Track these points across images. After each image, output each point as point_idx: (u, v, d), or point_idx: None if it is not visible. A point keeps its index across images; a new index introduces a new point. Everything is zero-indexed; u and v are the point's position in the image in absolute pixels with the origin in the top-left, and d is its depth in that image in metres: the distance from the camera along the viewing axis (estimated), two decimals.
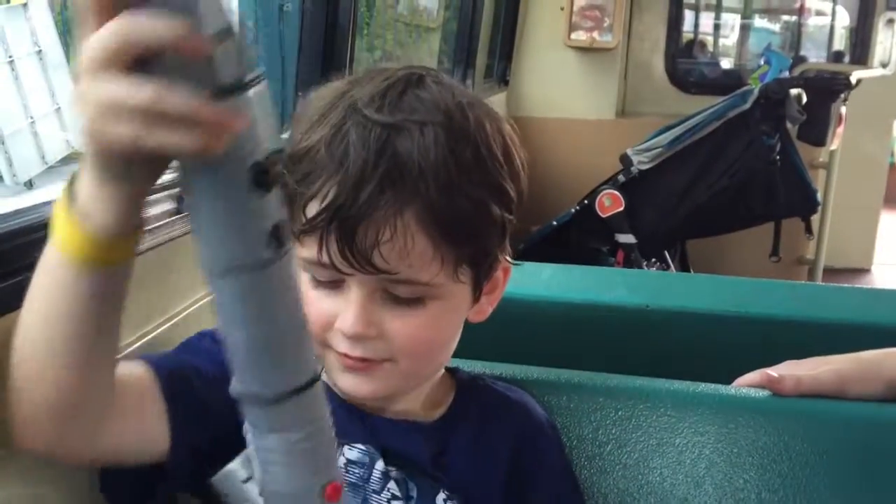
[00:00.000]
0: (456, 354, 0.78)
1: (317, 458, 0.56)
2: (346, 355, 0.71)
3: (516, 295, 1.14)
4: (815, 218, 3.26)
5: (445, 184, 0.67)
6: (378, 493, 0.75)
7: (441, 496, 0.77)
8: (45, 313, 0.55)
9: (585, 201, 3.06)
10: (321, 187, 0.68)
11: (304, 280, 0.72)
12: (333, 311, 0.71)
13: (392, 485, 0.76)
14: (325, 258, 0.68)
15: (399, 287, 0.69)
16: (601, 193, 3.00)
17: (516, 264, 0.79)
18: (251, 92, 0.46)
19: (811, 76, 3.00)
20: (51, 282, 0.54)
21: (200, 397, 0.69)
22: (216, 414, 0.65)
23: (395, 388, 0.75)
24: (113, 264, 0.53)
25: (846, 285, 2.79)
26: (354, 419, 0.77)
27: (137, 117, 0.45)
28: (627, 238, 3.00)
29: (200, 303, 0.90)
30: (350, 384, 0.73)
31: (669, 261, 3.19)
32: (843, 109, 3.17)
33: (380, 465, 0.76)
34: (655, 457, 0.83)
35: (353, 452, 0.76)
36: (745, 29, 6.01)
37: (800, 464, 0.81)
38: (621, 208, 2.98)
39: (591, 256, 2.99)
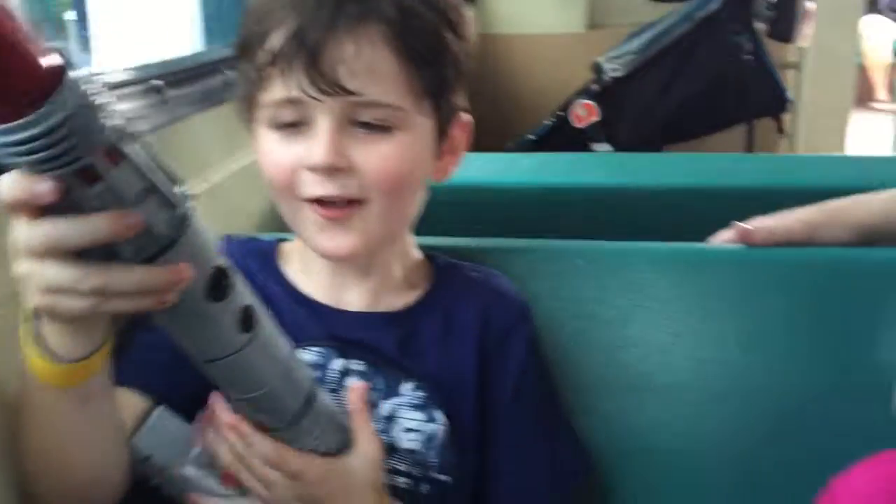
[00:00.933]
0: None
1: None
2: (319, 203, 0.72)
3: (495, 182, 1.18)
4: (787, 118, 3.29)
5: (403, 4, 0.70)
6: (335, 391, 0.75)
7: (408, 385, 0.78)
8: (44, 425, 0.60)
9: (560, 113, 3.07)
10: (280, 22, 0.69)
11: (265, 135, 0.73)
12: (301, 156, 0.71)
13: (352, 381, 0.76)
14: (292, 91, 0.69)
15: (367, 111, 0.70)
16: (575, 104, 3.01)
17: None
18: (188, 231, 0.47)
19: None
20: (40, 402, 0.58)
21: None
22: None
23: (373, 240, 0.75)
24: (95, 373, 0.56)
25: (819, 154, 2.83)
26: (315, 316, 0.78)
27: (88, 295, 0.47)
28: (604, 147, 3.02)
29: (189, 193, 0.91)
30: (329, 241, 0.74)
31: None
32: (811, 5, 3.17)
33: (336, 363, 0.77)
34: (636, 312, 0.87)
35: (308, 354, 0.77)
36: None
37: (772, 309, 0.85)
38: (596, 118, 2.99)
39: None
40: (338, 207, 0.72)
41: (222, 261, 0.51)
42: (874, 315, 0.80)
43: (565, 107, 3.06)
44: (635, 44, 3.02)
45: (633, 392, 0.87)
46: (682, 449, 0.85)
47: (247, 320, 0.54)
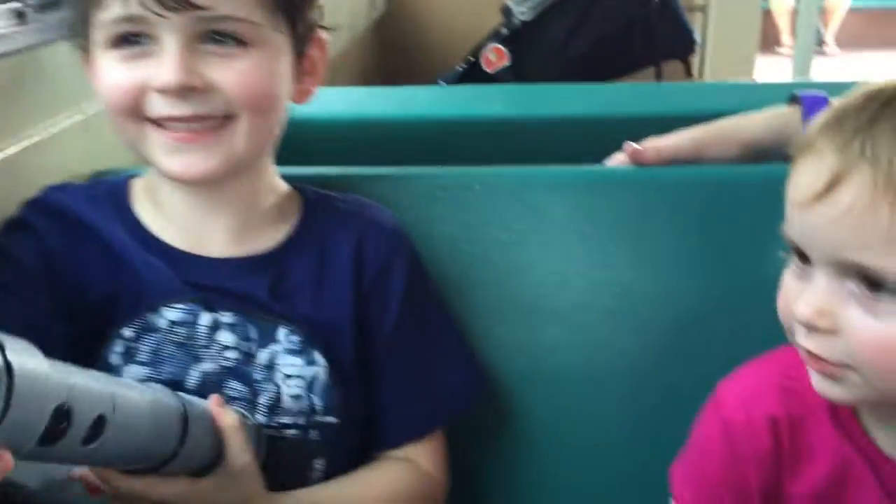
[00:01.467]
0: None
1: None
2: (171, 121, 0.68)
3: (396, 116, 1.16)
4: (694, 60, 3.34)
5: None
6: (207, 347, 0.73)
7: (282, 331, 0.75)
8: None
9: (471, 58, 3.06)
10: None
11: (103, 56, 0.69)
12: (147, 76, 0.67)
13: (223, 335, 0.74)
14: (133, 7, 0.65)
15: (219, 25, 0.67)
16: (486, 49, 3.00)
17: None
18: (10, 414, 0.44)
19: None
20: None
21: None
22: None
23: (231, 158, 0.70)
24: None
25: (716, 82, 2.87)
26: (175, 266, 0.74)
27: None
28: None
29: (61, 125, 0.86)
30: (182, 163, 0.69)
31: None
32: None
33: (204, 319, 0.74)
34: (531, 235, 0.87)
35: (173, 312, 0.73)
36: None
37: (662, 227, 0.86)
38: (506, 62, 2.99)
39: None
40: (191, 130, 0.68)
41: (57, 403, 0.48)
42: (759, 228, 0.81)
43: (476, 51, 3.05)
44: None
45: (529, 314, 0.87)
46: (578, 369, 0.86)
47: (96, 428, 0.52)
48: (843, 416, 0.64)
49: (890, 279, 0.55)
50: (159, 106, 0.68)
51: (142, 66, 0.67)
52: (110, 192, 0.78)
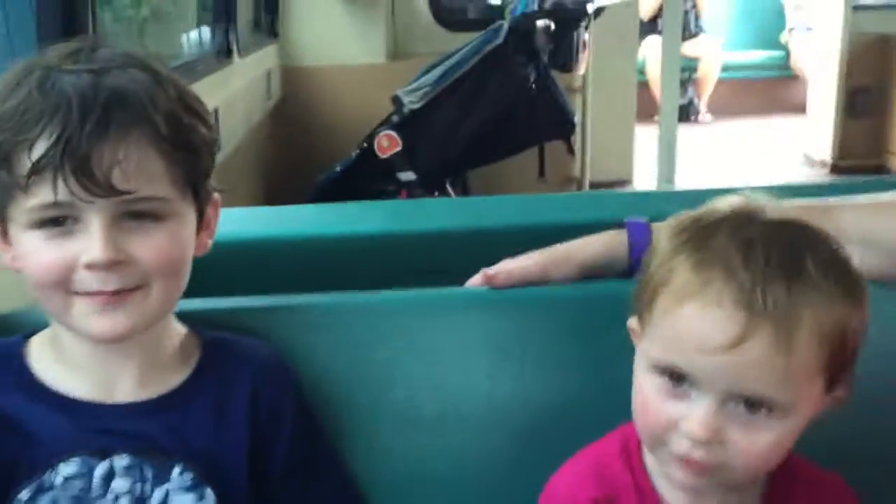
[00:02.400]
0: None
1: None
2: (99, 293, 0.76)
3: (273, 235, 1.25)
4: (578, 138, 3.56)
5: (164, 108, 0.77)
6: (101, 497, 0.80)
7: (176, 469, 0.82)
8: None
9: (365, 144, 3.19)
10: (42, 130, 0.73)
11: (26, 236, 0.76)
12: (74, 254, 0.75)
13: (118, 483, 0.80)
14: (61, 195, 0.73)
15: (139, 205, 0.76)
16: (378, 135, 3.13)
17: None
18: None
19: (552, 7, 3.24)
20: None
21: None
22: None
23: (148, 318, 0.80)
24: None
25: (563, 193, 3.06)
26: (75, 418, 0.80)
27: None
28: (408, 175, 3.16)
29: None
30: (105, 325, 0.78)
31: (451, 192, 3.39)
32: (587, 36, 3.45)
33: (99, 469, 0.80)
34: (404, 356, 0.97)
35: (69, 467, 0.80)
36: None
37: (520, 341, 0.98)
38: (399, 148, 3.13)
39: (377, 198, 3.11)
40: (114, 294, 0.77)
41: None
42: (598, 340, 0.94)
43: (369, 138, 3.18)
44: (430, 76, 3.18)
45: (404, 425, 0.97)
46: (447, 474, 0.96)
47: None
48: (646, 492, 0.77)
49: (773, 405, 0.69)
50: (88, 281, 0.76)
51: (67, 244, 0.76)
52: (5, 355, 0.85)
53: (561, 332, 0.98)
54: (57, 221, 0.76)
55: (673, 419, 0.72)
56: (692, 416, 0.71)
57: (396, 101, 3.14)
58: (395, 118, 3.15)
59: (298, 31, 3.77)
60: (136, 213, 0.77)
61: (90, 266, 0.75)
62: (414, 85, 3.17)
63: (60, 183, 0.73)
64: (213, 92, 2.30)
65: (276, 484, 0.87)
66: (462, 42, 3.31)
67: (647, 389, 0.75)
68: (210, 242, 0.87)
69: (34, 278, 0.78)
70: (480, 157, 3.38)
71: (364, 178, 3.23)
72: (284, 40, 3.75)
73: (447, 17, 4.22)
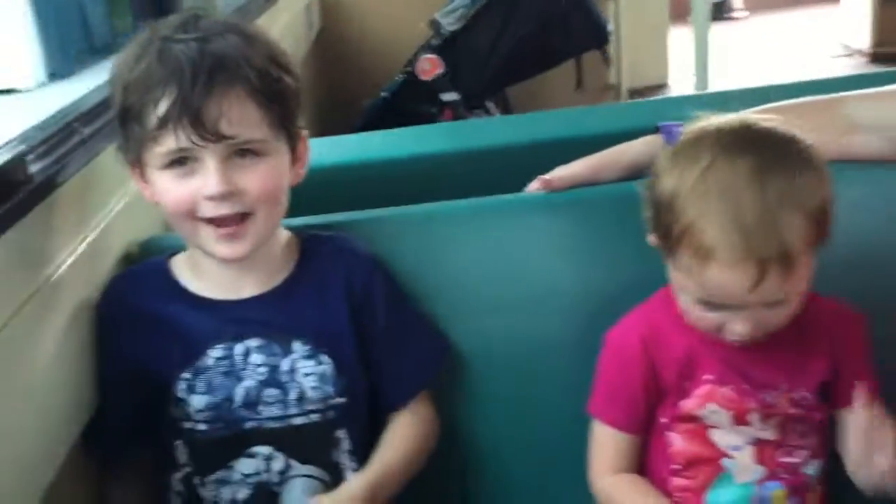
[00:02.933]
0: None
1: None
2: (216, 222, 0.95)
3: (351, 160, 1.42)
4: (613, 46, 3.64)
5: (257, 66, 0.94)
6: (244, 369, 1.02)
7: (297, 343, 1.03)
8: None
9: (408, 69, 3.31)
10: (164, 92, 0.92)
11: (160, 176, 0.95)
12: (195, 188, 0.94)
13: (254, 357, 1.02)
14: (182, 142, 0.92)
15: (243, 146, 0.94)
16: (420, 59, 3.25)
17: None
18: None
19: None
20: None
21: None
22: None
23: (259, 240, 0.99)
24: None
25: (602, 105, 3.16)
26: (214, 314, 1.02)
27: None
28: (451, 96, 3.28)
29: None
30: (227, 251, 0.97)
31: (494, 110, 3.52)
32: None
33: (238, 349, 1.02)
34: (481, 255, 1.15)
35: (215, 352, 1.02)
36: None
37: (577, 237, 1.16)
38: (440, 70, 3.25)
39: (423, 119, 3.26)
40: (231, 223, 0.96)
41: None
42: (643, 234, 1.09)
43: (411, 62, 3.31)
44: None
45: (486, 312, 1.15)
46: (522, 350, 1.15)
47: None
48: (682, 327, 0.98)
49: (792, 295, 0.90)
50: (209, 208, 0.95)
51: (191, 181, 0.95)
52: (155, 272, 1.07)
53: (612, 227, 1.14)
54: (181, 162, 0.95)
55: (718, 323, 0.92)
56: (736, 325, 0.91)
57: (435, 24, 3.24)
58: (434, 41, 3.25)
59: None
60: (241, 153, 0.95)
61: (210, 197, 0.95)
62: (450, 6, 3.26)
63: (181, 132, 0.92)
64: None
65: (378, 346, 1.07)
66: None
67: (685, 302, 0.94)
68: (303, 172, 1.05)
69: (168, 209, 0.98)
70: (519, 73, 3.48)
71: (409, 101, 3.35)
72: None
73: None
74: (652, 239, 0.96)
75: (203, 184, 0.94)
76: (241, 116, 0.93)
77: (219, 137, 0.92)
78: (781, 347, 0.95)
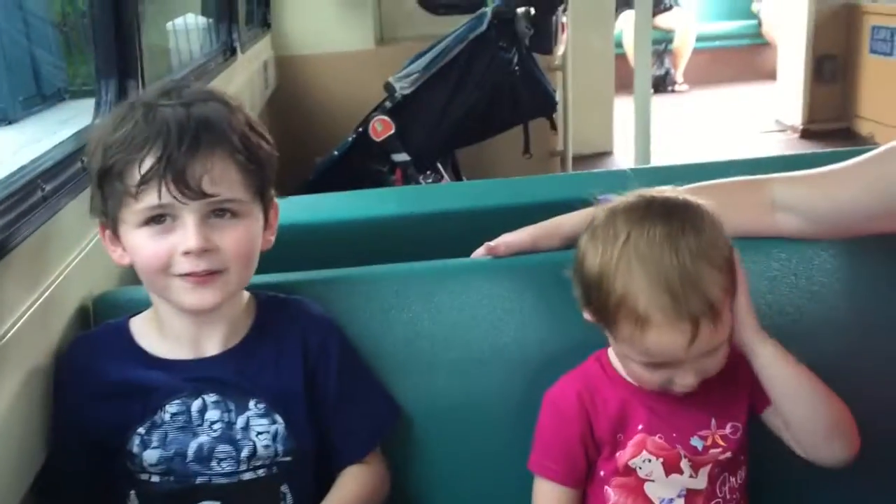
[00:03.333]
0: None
1: None
2: (190, 274, 0.98)
3: (304, 221, 1.47)
4: (560, 114, 3.77)
5: (238, 130, 1.00)
6: (200, 425, 1.05)
7: (253, 402, 1.07)
8: None
9: (360, 129, 3.39)
10: (149, 150, 0.96)
11: (136, 233, 0.98)
12: (172, 245, 0.98)
13: (210, 413, 1.05)
14: (164, 198, 0.96)
15: (222, 205, 0.99)
16: (372, 120, 3.33)
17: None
18: None
19: None
20: None
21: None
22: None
23: (228, 295, 1.03)
24: None
25: (548, 175, 3.28)
26: (174, 374, 1.05)
27: None
28: (402, 157, 3.36)
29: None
30: (197, 299, 1.01)
31: (443, 171, 3.60)
32: (565, 18, 3.65)
33: (195, 405, 1.05)
34: (424, 315, 1.20)
35: (172, 406, 1.05)
36: None
37: (518, 299, 1.22)
38: (392, 131, 3.33)
39: (373, 177, 3.32)
40: (204, 275, 1.00)
41: None
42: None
43: (365, 122, 3.39)
44: (419, 63, 3.37)
45: (427, 370, 1.21)
46: (462, 407, 1.20)
47: None
48: (615, 379, 1.06)
49: (725, 342, 0.98)
50: (184, 265, 0.99)
51: (168, 237, 0.98)
52: (114, 335, 1.09)
53: (551, 292, 1.20)
54: (158, 219, 0.99)
55: (664, 380, 0.99)
56: (683, 378, 0.98)
57: (389, 87, 3.34)
58: (387, 104, 3.33)
59: (289, 22, 3.95)
60: (219, 212, 1.00)
61: (186, 252, 0.98)
62: (404, 72, 3.36)
63: (164, 189, 0.96)
64: (223, 88, 2.50)
65: (331, 406, 1.11)
66: (447, 25, 3.50)
67: (630, 367, 1.01)
68: (272, 239, 1.11)
69: (143, 265, 1.01)
70: (468, 137, 3.58)
71: (360, 160, 3.42)
72: (276, 31, 3.93)
73: (431, 2, 4.42)
74: (587, 315, 1.03)
75: (181, 240, 0.98)
76: (223, 176, 0.98)
77: (201, 195, 0.97)
78: (705, 386, 1.02)
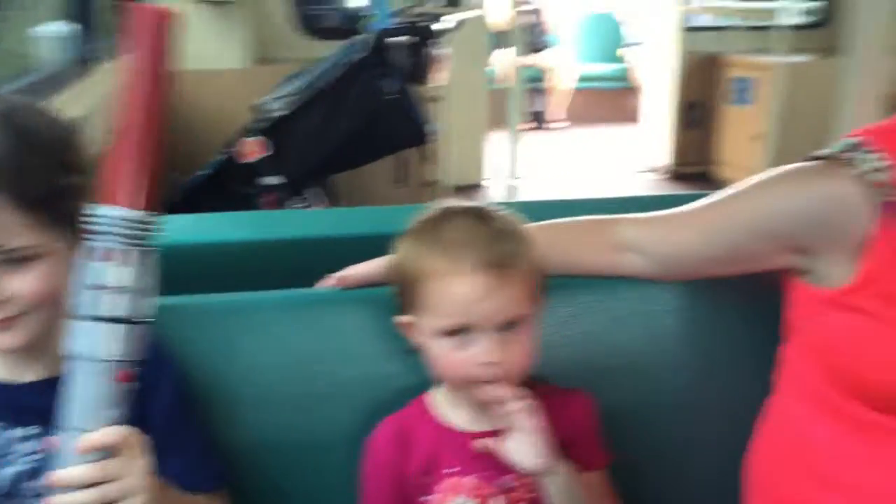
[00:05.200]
0: None
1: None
2: None
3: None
4: (437, 144, 3.79)
5: (30, 170, 0.88)
6: (7, 456, 0.96)
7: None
8: None
9: (230, 149, 3.30)
10: None
11: None
12: None
13: (29, 444, 0.96)
14: None
15: (8, 255, 0.89)
16: (245, 141, 3.25)
17: None
18: None
19: (407, 24, 3.44)
20: None
21: None
22: None
23: (35, 334, 0.94)
24: None
25: (400, 206, 3.29)
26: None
27: None
28: (274, 180, 3.29)
29: None
30: (3, 341, 0.93)
31: (318, 196, 3.55)
32: (442, 49, 3.67)
33: (12, 433, 0.96)
34: (264, 347, 1.15)
35: None
36: None
37: (362, 333, 1.18)
38: (265, 153, 3.26)
39: (243, 200, 3.24)
40: (2, 321, 0.91)
41: None
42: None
43: (235, 142, 3.29)
44: (295, 85, 3.33)
45: (265, 403, 1.15)
46: (301, 443, 1.15)
47: None
48: (431, 419, 1.05)
49: (524, 319, 0.99)
50: None
51: None
52: None
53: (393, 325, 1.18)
54: None
55: (469, 360, 0.98)
56: (481, 351, 0.97)
57: (262, 107, 3.27)
58: (262, 124, 3.26)
59: None
60: (9, 261, 0.90)
61: None
62: (281, 92, 3.30)
63: None
64: (80, 101, 2.38)
65: (159, 437, 1.02)
66: (325, 49, 3.47)
67: (441, 352, 1.00)
68: None
69: None
70: (343, 163, 3.55)
71: (229, 182, 3.33)
72: None
73: (310, 25, 4.38)
74: (400, 319, 1.04)
75: None
76: (5, 225, 0.87)
77: None
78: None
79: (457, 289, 0.97)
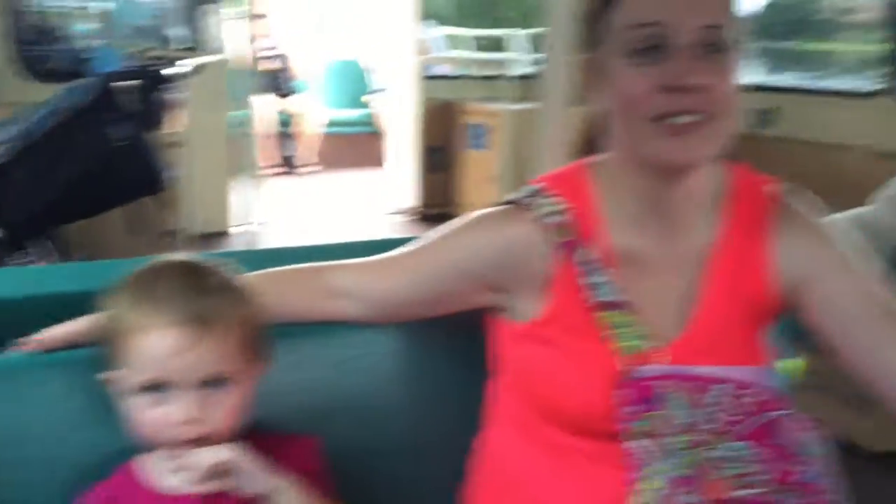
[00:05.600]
0: None
1: None
2: None
3: None
4: (177, 191, 3.64)
5: None
6: None
7: None
8: None
9: None
10: None
11: None
12: None
13: None
14: None
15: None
16: None
17: None
18: None
19: (139, 67, 3.32)
20: None
21: None
22: None
23: None
24: None
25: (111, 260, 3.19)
26: None
27: None
28: None
29: None
30: None
31: (45, 249, 3.29)
32: (180, 93, 3.57)
33: None
34: None
35: None
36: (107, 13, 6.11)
37: (71, 403, 1.11)
38: None
39: None
40: None
41: None
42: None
43: None
44: (14, 130, 3.09)
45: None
46: None
47: None
48: (140, 485, 1.02)
49: (225, 377, 0.97)
50: None
51: None
52: None
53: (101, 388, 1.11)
54: None
55: (165, 418, 0.96)
56: (176, 408, 0.95)
57: None
58: None
59: None
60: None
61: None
62: None
63: None
64: None
65: None
66: (51, 92, 3.26)
67: (138, 409, 0.98)
68: None
69: None
70: (72, 213, 3.34)
71: None
72: None
73: (32, 67, 4.10)
74: (103, 375, 1.01)
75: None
76: None
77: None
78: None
79: (153, 342, 0.94)
